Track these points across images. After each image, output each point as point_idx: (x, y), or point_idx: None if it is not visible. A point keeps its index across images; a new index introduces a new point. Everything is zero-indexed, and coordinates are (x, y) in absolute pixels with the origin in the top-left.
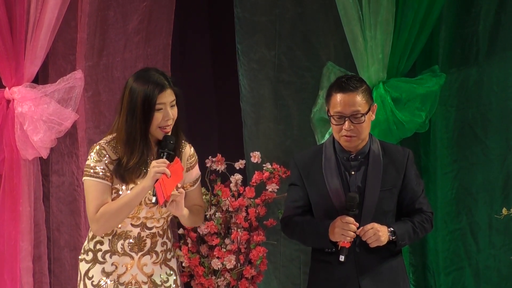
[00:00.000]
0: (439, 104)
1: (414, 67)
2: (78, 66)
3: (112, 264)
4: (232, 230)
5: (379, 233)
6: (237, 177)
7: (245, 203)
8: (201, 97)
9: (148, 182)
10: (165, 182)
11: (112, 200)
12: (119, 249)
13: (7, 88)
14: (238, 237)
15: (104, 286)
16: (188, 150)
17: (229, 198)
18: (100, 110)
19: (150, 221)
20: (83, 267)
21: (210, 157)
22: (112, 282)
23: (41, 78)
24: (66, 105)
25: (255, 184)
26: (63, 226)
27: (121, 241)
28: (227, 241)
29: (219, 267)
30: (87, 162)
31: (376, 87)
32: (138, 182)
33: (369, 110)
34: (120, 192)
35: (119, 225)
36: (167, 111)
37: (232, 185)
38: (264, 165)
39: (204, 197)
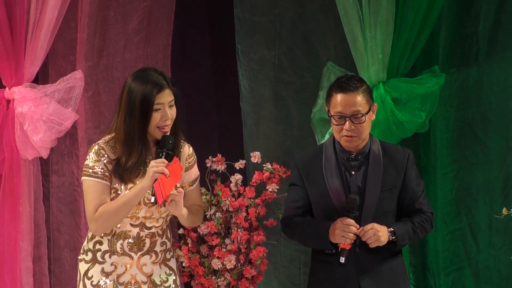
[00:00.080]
0: (439, 104)
1: (414, 67)
2: (78, 66)
3: (111, 264)
4: (232, 230)
5: (379, 234)
6: (237, 177)
7: (245, 203)
8: (201, 97)
9: (147, 181)
10: (164, 182)
11: (111, 200)
12: (119, 249)
13: (7, 88)
14: (238, 237)
15: (103, 286)
16: (187, 150)
17: (229, 198)
18: (100, 110)
19: (149, 221)
20: (82, 267)
21: (210, 157)
22: (112, 282)
23: (41, 78)
24: (66, 105)
25: (255, 184)
26: (63, 226)
27: (120, 241)
28: (227, 241)
29: (219, 267)
30: (86, 162)
31: (376, 87)
32: (137, 182)
33: (369, 110)
34: (119, 192)
35: (118, 225)
36: (165, 111)
37: (232, 185)
38: (264, 165)
39: (204, 197)
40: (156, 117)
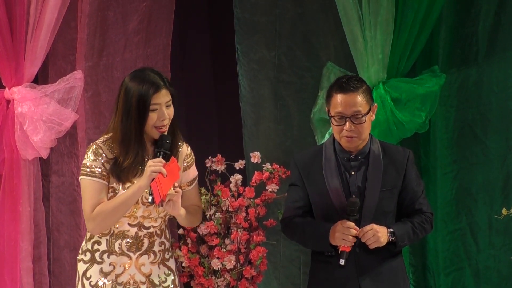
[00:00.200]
0: (439, 104)
1: (414, 67)
2: (78, 66)
3: (110, 264)
4: (232, 230)
5: (378, 234)
6: (237, 177)
7: (245, 203)
8: (201, 97)
9: (144, 181)
10: (161, 181)
11: (109, 199)
12: (117, 249)
13: (7, 88)
14: (238, 237)
15: (102, 286)
16: (185, 149)
17: (229, 198)
18: (100, 110)
19: (147, 221)
20: (81, 267)
21: (210, 157)
22: (110, 282)
23: (41, 78)
24: (66, 105)
25: (255, 184)
26: (63, 227)
27: (119, 241)
28: (227, 241)
29: (219, 267)
30: (84, 161)
31: (376, 88)
32: (135, 181)
33: (369, 110)
34: (117, 191)
35: (117, 225)
36: (162, 111)
37: (232, 185)
38: (264, 165)
39: (204, 197)
40: (153, 117)
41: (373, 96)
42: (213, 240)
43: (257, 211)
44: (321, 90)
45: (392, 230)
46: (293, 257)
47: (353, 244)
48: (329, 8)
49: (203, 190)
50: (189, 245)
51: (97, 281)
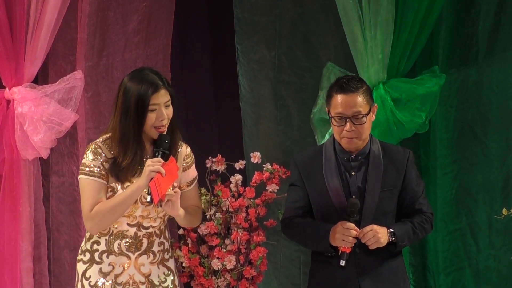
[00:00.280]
0: (439, 104)
1: (414, 67)
2: (78, 66)
3: (109, 264)
4: (232, 231)
5: (378, 235)
6: (237, 177)
7: (245, 204)
8: (201, 97)
9: (143, 180)
10: (160, 181)
11: (108, 198)
12: (116, 249)
13: (7, 89)
14: (238, 238)
15: (101, 286)
16: (185, 150)
17: (229, 199)
18: (100, 110)
19: (146, 221)
20: (80, 267)
21: (210, 157)
22: (110, 282)
23: (41, 78)
24: (66, 106)
25: (255, 184)
26: (63, 227)
27: (118, 241)
28: (227, 241)
29: (219, 267)
30: (83, 161)
31: (376, 88)
32: (134, 181)
33: (369, 110)
34: (116, 191)
35: (116, 225)
36: (161, 111)
37: (232, 185)
38: (264, 165)
39: (204, 197)
40: (151, 117)
41: (373, 96)
42: (213, 240)
43: (257, 211)
44: (321, 90)
45: (392, 230)
46: (293, 257)
47: (353, 245)
48: (329, 8)
49: (203, 190)
50: (189, 245)
51: (97, 281)
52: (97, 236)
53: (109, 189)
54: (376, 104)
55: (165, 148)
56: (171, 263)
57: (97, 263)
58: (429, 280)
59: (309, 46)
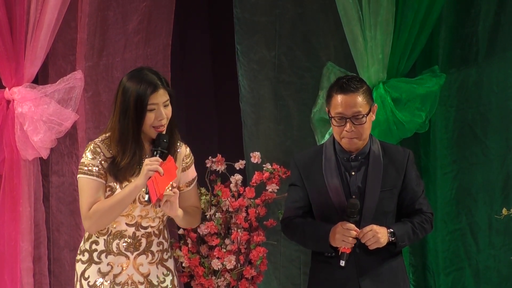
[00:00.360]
0: (439, 104)
1: (414, 67)
2: (78, 66)
3: (107, 264)
4: (232, 231)
5: (378, 235)
6: (237, 177)
7: (245, 204)
8: (201, 97)
9: (141, 180)
10: (158, 180)
11: (106, 198)
12: (114, 249)
13: (7, 89)
14: (238, 238)
15: (100, 286)
16: (184, 150)
17: (229, 199)
18: (100, 110)
19: (145, 220)
20: (79, 267)
21: (210, 157)
22: (108, 282)
23: (41, 78)
24: (66, 106)
25: (255, 184)
26: (63, 227)
27: (117, 241)
28: (227, 241)
29: (219, 267)
30: (82, 160)
31: (376, 88)
32: (132, 181)
33: (369, 110)
34: (114, 190)
35: (114, 225)
36: (160, 111)
37: (232, 185)
38: (264, 165)
39: (204, 197)
40: (150, 117)
41: (373, 96)
42: (213, 240)
43: (257, 211)
44: (321, 90)
45: (392, 230)
46: (293, 257)
47: (353, 245)
48: (329, 8)
49: (203, 190)
50: (189, 245)
51: (95, 281)
52: (96, 236)
53: (107, 189)
54: (376, 104)
55: (163, 147)
56: (170, 263)
57: (96, 263)
58: (429, 280)
59: (309, 46)
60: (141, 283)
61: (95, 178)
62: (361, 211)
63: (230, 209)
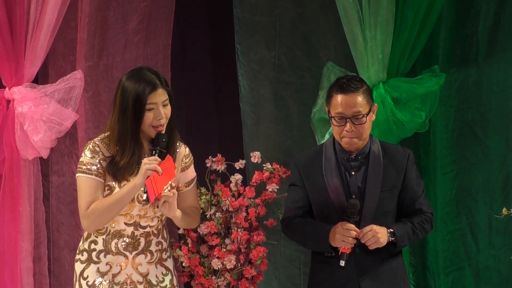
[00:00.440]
0: (439, 104)
1: (414, 67)
2: (78, 66)
3: (106, 264)
4: (232, 230)
5: (378, 235)
6: (237, 177)
7: (245, 203)
8: (201, 97)
9: (140, 179)
10: (156, 179)
11: (105, 197)
12: (113, 249)
13: (7, 88)
14: (238, 237)
15: (99, 286)
16: (183, 150)
17: (229, 198)
18: (100, 110)
19: (143, 220)
20: (78, 267)
21: (210, 157)
22: (107, 282)
23: (41, 78)
24: (66, 105)
25: (255, 184)
26: (63, 227)
27: (115, 240)
28: (227, 241)
29: (219, 267)
30: (81, 159)
31: (376, 87)
32: (131, 180)
33: (370, 110)
34: (113, 190)
35: (113, 224)
36: (159, 111)
37: (232, 185)
38: (264, 165)
39: (204, 197)
40: (149, 116)
41: (373, 96)
42: (213, 240)
43: (257, 211)
44: (321, 90)
45: (392, 230)
46: (293, 257)
47: (353, 246)
48: (329, 8)
49: (203, 190)
50: (190, 245)
51: (94, 281)
52: (95, 236)
53: (106, 188)
54: (376, 104)
55: (162, 146)
56: (169, 263)
57: (95, 262)
58: (429, 280)
59: (309, 46)
60: (140, 283)
61: (93, 177)
62: (361, 211)
63: (230, 209)
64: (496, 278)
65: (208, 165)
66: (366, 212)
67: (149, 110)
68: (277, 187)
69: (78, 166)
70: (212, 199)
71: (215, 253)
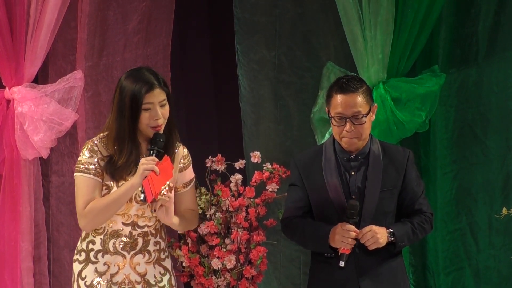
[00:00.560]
0: (439, 104)
1: (414, 67)
2: (78, 66)
3: (104, 264)
4: (232, 230)
5: (378, 236)
6: (237, 177)
7: (245, 203)
8: (201, 97)
9: (137, 179)
10: (153, 179)
11: (103, 196)
12: (111, 248)
13: (7, 88)
14: (238, 237)
15: (97, 286)
16: (182, 151)
17: (229, 198)
18: (100, 110)
19: (141, 220)
20: (76, 267)
21: (210, 157)
22: (105, 282)
23: (41, 78)
24: (66, 105)
25: (255, 184)
26: (63, 227)
27: (113, 240)
28: (227, 241)
29: (219, 267)
30: (79, 158)
31: (376, 87)
32: (129, 179)
33: (369, 110)
34: (111, 189)
35: (111, 224)
36: (155, 111)
37: (232, 185)
38: (264, 165)
39: (204, 197)
40: (145, 116)
41: (373, 96)
42: (213, 240)
43: (257, 211)
44: (321, 90)
45: (391, 230)
46: (293, 257)
47: (352, 246)
48: (329, 8)
49: (203, 190)
50: (189, 245)
51: (92, 281)
52: (92, 236)
53: (104, 187)
54: (376, 104)
55: (159, 146)
56: (167, 263)
57: (93, 262)
58: (429, 280)
59: (309, 46)
60: (138, 283)
61: (91, 176)
62: (360, 211)
63: (230, 209)
64: (496, 278)
65: (208, 165)
66: (366, 212)
67: (145, 110)
68: (277, 187)
69: (76, 165)
70: (212, 199)
71: (215, 253)
